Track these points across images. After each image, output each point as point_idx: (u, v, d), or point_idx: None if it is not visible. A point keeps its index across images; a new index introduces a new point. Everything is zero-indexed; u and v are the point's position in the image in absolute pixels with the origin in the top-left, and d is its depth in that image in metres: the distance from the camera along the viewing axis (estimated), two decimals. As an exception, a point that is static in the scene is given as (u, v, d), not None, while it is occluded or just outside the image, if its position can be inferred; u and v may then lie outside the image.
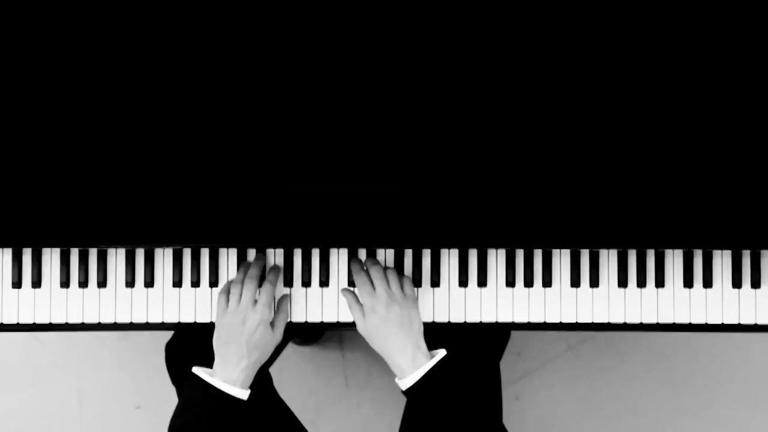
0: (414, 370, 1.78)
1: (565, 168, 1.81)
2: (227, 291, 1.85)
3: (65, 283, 1.88)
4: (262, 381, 1.86)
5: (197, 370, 1.81)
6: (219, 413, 1.79)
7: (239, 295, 1.83)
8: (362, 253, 1.89)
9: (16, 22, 1.80)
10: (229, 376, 1.80)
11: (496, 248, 1.89)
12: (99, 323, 1.89)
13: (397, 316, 1.80)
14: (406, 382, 1.79)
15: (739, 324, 1.88)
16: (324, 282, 1.89)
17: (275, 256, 1.90)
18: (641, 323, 1.89)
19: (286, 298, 1.88)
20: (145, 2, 1.80)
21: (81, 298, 1.89)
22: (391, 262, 1.90)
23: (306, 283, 1.89)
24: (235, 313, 1.81)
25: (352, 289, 1.88)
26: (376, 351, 1.83)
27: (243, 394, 1.80)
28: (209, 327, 1.89)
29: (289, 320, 1.89)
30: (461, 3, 1.80)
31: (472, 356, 1.99)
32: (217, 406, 1.79)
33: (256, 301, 1.82)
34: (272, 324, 1.84)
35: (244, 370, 1.80)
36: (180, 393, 2.01)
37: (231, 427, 1.79)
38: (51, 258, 1.89)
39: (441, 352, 1.81)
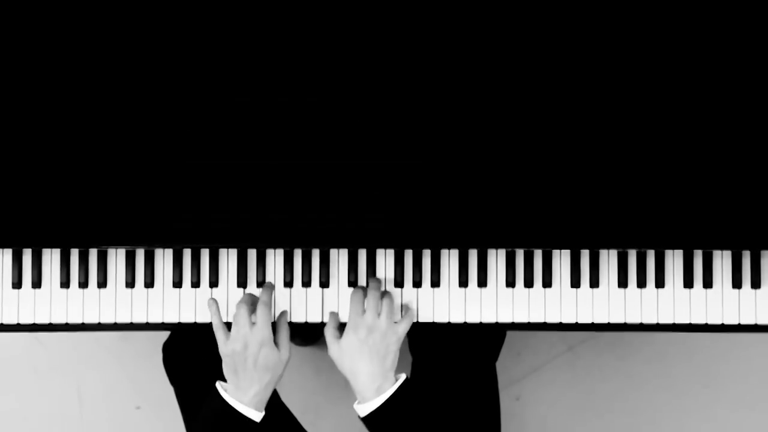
0: (376, 396, 1.79)
1: (566, 168, 1.81)
2: (222, 324, 1.83)
3: (65, 283, 1.88)
4: (271, 397, 1.86)
5: (219, 385, 1.82)
6: (232, 428, 1.80)
7: (236, 322, 1.82)
8: (362, 254, 1.89)
9: (15, 24, 1.80)
10: (242, 399, 1.80)
11: (497, 248, 1.89)
12: (99, 323, 1.89)
13: (375, 344, 1.80)
14: (366, 407, 1.79)
15: (739, 324, 1.89)
16: (324, 283, 1.89)
17: (276, 257, 1.90)
18: (641, 323, 1.89)
19: (284, 314, 1.87)
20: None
21: (81, 298, 1.89)
22: (391, 263, 1.90)
23: (306, 283, 1.89)
24: (234, 340, 1.80)
25: (337, 312, 1.88)
26: (342, 371, 1.82)
27: (257, 416, 1.81)
28: (206, 327, 1.89)
29: (289, 320, 1.88)
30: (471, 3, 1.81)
31: (467, 359, 1.99)
32: (230, 423, 1.80)
33: (254, 324, 1.82)
34: (276, 344, 1.84)
35: (256, 394, 1.80)
36: (178, 393, 2.01)
37: None
38: (51, 258, 1.89)
39: (401, 377, 1.81)
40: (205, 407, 1.83)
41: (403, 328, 1.83)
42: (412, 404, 1.80)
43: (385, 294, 1.85)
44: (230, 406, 1.79)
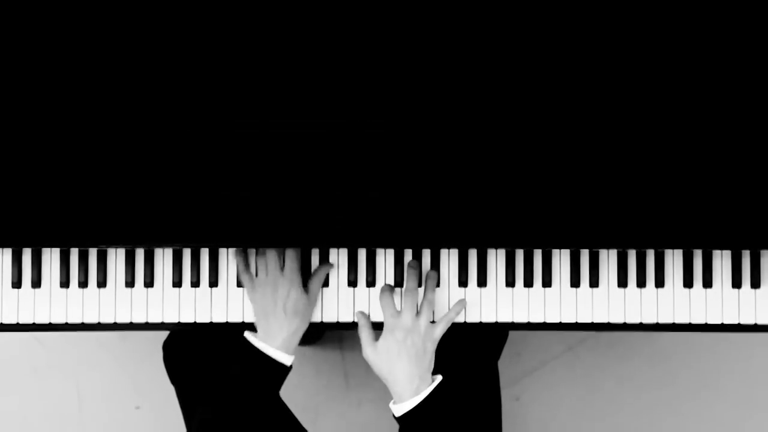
0: (413, 395, 1.79)
1: (565, 168, 1.81)
2: (246, 270, 1.85)
3: (65, 283, 1.88)
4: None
5: (247, 334, 1.83)
6: (263, 375, 1.81)
7: (265, 266, 1.84)
8: (362, 254, 1.89)
9: (15, 24, 1.81)
10: (272, 344, 1.81)
11: (496, 248, 1.89)
12: (99, 323, 1.89)
13: (414, 345, 1.81)
14: (403, 407, 1.80)
15: (739, 324, 1.88)
16: (324, 282, 1.89)
17: (275, 256, 1.90)
18: (641, 323, 1.89)
19: (326, 265, 1.88)
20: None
21: (81, 298, 1.89)
22: (391, 263, 1.89)
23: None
24: (264, 283, 1.82)
25: (367, 313, 1.89)
26: (379, 373, 1.83)
27: (288, 359, 1.82)
28: (206, 326, 1.89)
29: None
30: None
31: (470, 357, 1.99)
32: (261, 369, 1.80)
33: (283, 269, 1.84)
34: (307, 288, 1.85)
35: (285, 339, 1.81)
36: (178, 392, 2.01)
37: (271, 390, 1.82)
38: (51, 258, 1.89)
39: (437, 378, 1.82)
40: (235, 359, 1.83)
41: (440, 330, 1.84)
42: (446, 404, 1.80)
43: (428, 290, 1.85)
44: (260, 351, 1.80)
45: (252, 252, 1.89)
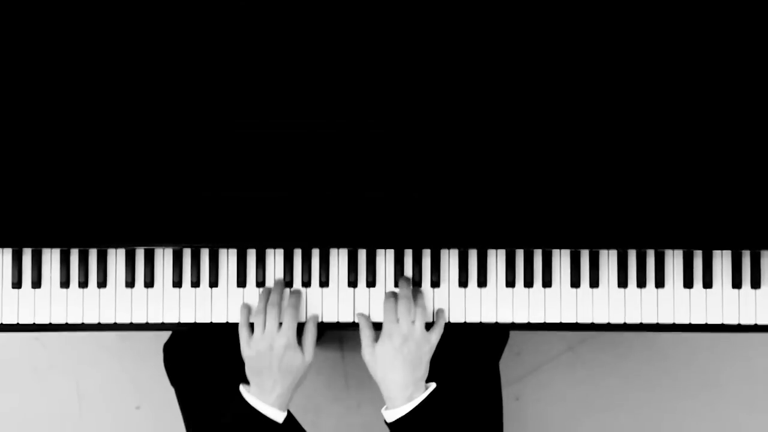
0: (406, 402, 1.80)
1: (565, 168, 1.81)
2: (247, 323, 1.84)
3: (65, 283, 1.88)
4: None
5: (242, 389, 1.83)
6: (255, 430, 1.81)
7: (263, 324, 1.83)
8: (362, 254, 1.89)
9: (16, 25, 1.81)
10: (266, 400, 1.81)
11: (496, 248, 1.89)
12: (99, 323, 1.89)
13: (410, 353, 1.81)
14: (395, 413, 1.80)
15: (739, 324, 1.89)
16: (324, 282, 1.89)
17: (275, 256, 1.90)
18: (641, 323, 1.89)
19: (312, 319, 1.88)
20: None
21: (81, 298, 1.89)
22: (391, 263, 1.90)
23: (306, 283, 1.89)
24: (261, 340, 1.81)
25: (367, 313, 1.89)
26: (374, 377, 1.83)
27: (280, 416, 1.81)
28: (206, 327, 1.89)
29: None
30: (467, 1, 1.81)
31: (470, 358, 1.99)
32: (254, 425, 1.80)
33: (280, 326, 1.83)
34: (301, 346, 1.84)
35: (279, 396, 1.81)
36: (179, 394, 2.01)
37: None
38: (51, 258, 1.89)
39: (431, 386, 1.82)
40: (227, 412, 1.83)
41: (435, 336, 1.84)
42: (438, 411, 1.80)
43: (417, 298, 1.86)
44: (253, 408, 1.80)
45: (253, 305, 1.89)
